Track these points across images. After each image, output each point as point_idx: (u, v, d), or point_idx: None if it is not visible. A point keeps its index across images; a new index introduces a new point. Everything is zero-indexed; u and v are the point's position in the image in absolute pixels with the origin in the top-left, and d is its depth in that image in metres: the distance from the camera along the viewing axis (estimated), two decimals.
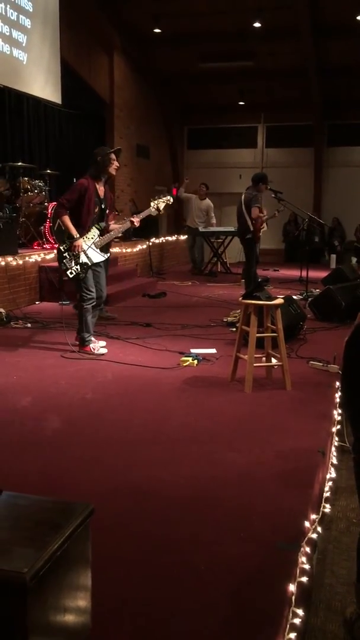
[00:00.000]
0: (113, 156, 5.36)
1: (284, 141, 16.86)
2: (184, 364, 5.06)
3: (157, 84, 15.36)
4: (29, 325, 6.56)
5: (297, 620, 2.07)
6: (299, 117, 16.04)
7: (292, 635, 2.00)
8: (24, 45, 9.20)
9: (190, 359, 5.13)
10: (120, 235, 6.07)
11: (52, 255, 8.39)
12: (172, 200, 5.77)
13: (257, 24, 12.05)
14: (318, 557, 2.77)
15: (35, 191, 8.85)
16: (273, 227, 15.26)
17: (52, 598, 1.33)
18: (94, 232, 5.36)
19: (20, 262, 7.63)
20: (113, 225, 5.56)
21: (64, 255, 5.27)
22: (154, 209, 5.62)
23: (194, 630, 1.95)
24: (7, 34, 8.75)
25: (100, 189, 5.35)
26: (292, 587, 2.16)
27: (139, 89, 14.50)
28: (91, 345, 5.38)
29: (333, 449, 3.64)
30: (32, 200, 8.78)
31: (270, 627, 1.98)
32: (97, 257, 5.38)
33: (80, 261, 5.26)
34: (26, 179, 8.82)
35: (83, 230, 5.29)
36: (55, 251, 8.32)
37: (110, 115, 13.29)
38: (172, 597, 2.11)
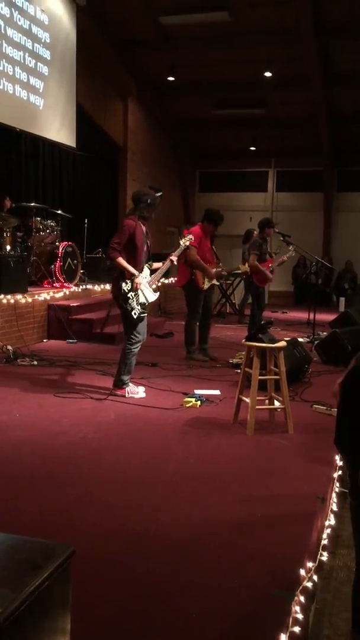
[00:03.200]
0: None
1: (294, 186, 17.09)
2: (187, 405, 5.04)
3: (170, 129, 15.72)
4: (35, 362, 6.58)
5: None
6: (310, 162, 16.29)
7: None
8: (40, 91, 9.51)
9: (193, 399, 5.12)
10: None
11: (61, 294, 8.50)
12: (193, 238, 6.28)
13: (268, 74, 12.38)
14: (316, 607, 2.70)
15: (47, 231, 9.02)
16: (283, 269, 15.37)
17: None
18: (146, 272, 5.30)
19: (30, 299, 7.72)
20: (155, 264, 5.50)
21: (128, 296, 5.14)
22: (183, 246, 6.02)
23: None
24: (25, 80, 9.06)
25: (144, 228, 5.30)
26: (283, 638, 2.11)
27: (152, 133, 14.84)
28: (127, 389, 5.30)
29: (334, 495, 3.59)
30: (44, 239, 8.94)
31: None
32: (151, 296, 5.29)
33: (140, 301, 5.18)
34: (38, 219, 9.00)
35: (137, 270, 5.19)
36: (65, 290, 8.55)
37: (124, 159, 13.58)
38: None
